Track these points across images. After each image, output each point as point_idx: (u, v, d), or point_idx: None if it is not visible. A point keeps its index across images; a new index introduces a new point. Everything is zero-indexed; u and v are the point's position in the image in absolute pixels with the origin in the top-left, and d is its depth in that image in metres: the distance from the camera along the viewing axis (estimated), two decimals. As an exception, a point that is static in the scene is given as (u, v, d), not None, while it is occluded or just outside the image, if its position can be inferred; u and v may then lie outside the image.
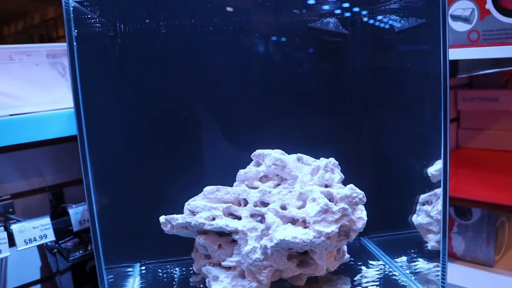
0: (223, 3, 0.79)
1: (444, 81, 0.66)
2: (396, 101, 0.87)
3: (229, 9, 0.79)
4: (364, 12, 0.84)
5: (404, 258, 0.82)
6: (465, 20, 0.98)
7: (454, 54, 0.97)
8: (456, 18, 0.99)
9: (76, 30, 0.57)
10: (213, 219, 0.70)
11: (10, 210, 1.08)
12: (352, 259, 0.83)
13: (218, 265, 0.71)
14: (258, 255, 0.67)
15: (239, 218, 0.70)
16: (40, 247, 1.11)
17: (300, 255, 0.70)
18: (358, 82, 0.87)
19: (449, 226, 1.22)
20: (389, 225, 0.90)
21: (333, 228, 0.66)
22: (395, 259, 0.82)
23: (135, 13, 0.76)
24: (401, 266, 0.80)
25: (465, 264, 1.17)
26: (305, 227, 0.67)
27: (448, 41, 0.66)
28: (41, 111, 0.95)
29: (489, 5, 0.94)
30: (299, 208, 0.68)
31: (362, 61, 0.86)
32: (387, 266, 0.81)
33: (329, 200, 0.69)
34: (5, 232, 0.92)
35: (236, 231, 0.68)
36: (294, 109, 0.88)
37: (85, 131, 0.62)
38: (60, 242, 1.04)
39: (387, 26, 0.84)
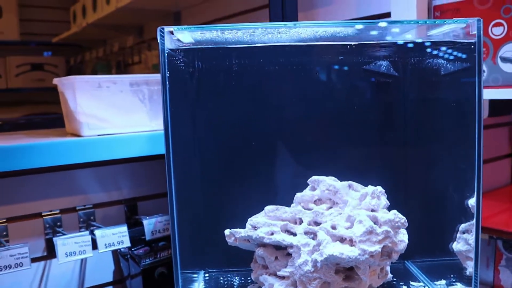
0: (288, 47, 0.90)
1: (478, 119, 0.74)
2: (440, 136, 0.95)
3: (292, 51, 0.91)
4: (413, 57, 0.93)
5: (443, 282, 0.89)
6: None
7: (504, 94, 1.04)
8: (505, 60, 1.06)
9: (168, 72, 0.70)
10: (272, 234, 0.80)
11: (92, 218, 1.23)
12: (395, 279, 0.91)
13: (274, 274, 0.82)
14: (309, 267, 0.77)
15: (294, 234, 0.80)
16: (115, 253, 1.26)
17: (346, 270, 0.80)
18: (406, 118, 0.96)
19: (497, 259, 1.26)
20: (432, 251, 0.97)
21: (377, 247, 0.75)
22: (435, 282, 0.89)
23: (212, 55, 0.89)
24: (439, 288, 0.87)
25: (511, 296, 1.21)
26: (352, 246, 0.76)
27: (482, 83, 0.74)
28: (124, 132, 1.09)
29: (536, 49, 1.01)
30: (347, 228, 0.78)
31: (410, 99, 0.96)
32: (426, 287, 0.88)
33: (374, 223, 0.78)
34: (90, 236, 1.06)
35: (291, 246, 0.79)
36: (348, 140, 0.98)
37: (171, 152, 0.75)
38: (133, 249, 1.17)
39: (433, 69, 0.93)
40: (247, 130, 0.95)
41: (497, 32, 1.06)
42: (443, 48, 0.91)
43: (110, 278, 1.26)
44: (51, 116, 1.78)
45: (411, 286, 0.89)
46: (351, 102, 0.96)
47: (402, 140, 0.97)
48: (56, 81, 1.17)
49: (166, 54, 0.70)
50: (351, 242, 0.76)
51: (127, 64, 2.51)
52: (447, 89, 0.94)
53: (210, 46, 0.86)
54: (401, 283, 0.90)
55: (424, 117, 0.96)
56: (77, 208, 1.21)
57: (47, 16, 3.08)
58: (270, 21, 1.18)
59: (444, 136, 0.94)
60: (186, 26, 0.72)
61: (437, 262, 0.96)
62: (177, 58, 0.82)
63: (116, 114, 1.11)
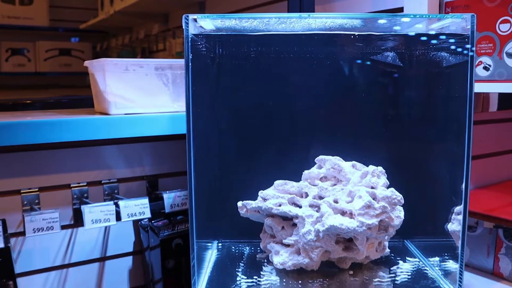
0: (300, 36, 0.98)
1: (469, 107, 0.81)
2: (438, 123, 1.02)
3: (303, 40, 0.99)
4: (415, 49, 1.00)
5: (437, 259, 0.96)
6: None
7: (508, 88, 1.09)
8: (510, 55, 1.11)
9: (191, 54, 0.78)
10: (280, 205, 0.89)
11: (116, 191, 1.33)
12: (393, 254, 0.98)
13: (280, 243, 0.90)
14: (312, 236, 0.85)
15: (300, 206, 0.88)
16: (136, 225, 1.35)
17: (346, 241, 0.88)
18: (409, 106, 1.04)
19: (497, 247, 1.32)
20: (430, 231, 1.04)
21: (374, 221, 0.83)
22: (429, 259, 0.97)
23: (231, 41, 0.97)
24: (433, 264, 0.94)
25: (510, 284, 1.26)
26: (351, 218, 0.84)
27: (474, 77, 0.81)
28: (148, 113, 1.18)
29: (541, 44, 1.06)
30: (348, 202, 0.86)
31: (412, 88, 1.03)
32: (421, 262, 0.96)
33: (373, 198, 0.85)
34: (114, 206, 1.16)
35: (296, 216, 0.87)
36: (356, 125, 1.06)
37: (192, 129, 0.83)
38: (153, 221, 1.26)
39: (433, 61, 0.99)
40: (262, 112, 1.03)
41: (504, 28, 1.12)
42: (443, 41, 0.97)
43: (130, 249, 1.36)
44: (77, 97, 1.88)
45: (407, 261, 0.96)
46: (358, 89, 1.03)
47: (407, 127, 1.04)
48: (87, 63, 1.27)
49: (190, 40, 0.78)
50: (351, 215, 0.84)
51: (152, 51, 2.61)
52: (446, 80, 1.00)
53: (229, 33, 0.94)
54: (398, 258, 0.98)
55: (424, 105, 1.03)
56: (103, 182, 1.31)
57: (76, 3, 3.20)
58: (288, 11, 1.25)
59: (442, 123, 1.01)
60: (208, 14, 0.81)
61: (434, 242, 1.04)
62: (199, 43, 0.90)
63: (141, 95, 1.20)
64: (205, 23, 0.84)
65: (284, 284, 0.86)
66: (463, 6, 1.20)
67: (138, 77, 1.20)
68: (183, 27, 0.78)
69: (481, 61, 1.16)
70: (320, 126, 1.04)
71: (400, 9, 1.29)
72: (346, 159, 0.96)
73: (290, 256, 0.87)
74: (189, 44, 0.77)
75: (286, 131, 1.04)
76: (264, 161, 1.05)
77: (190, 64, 0.77)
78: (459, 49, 0.88)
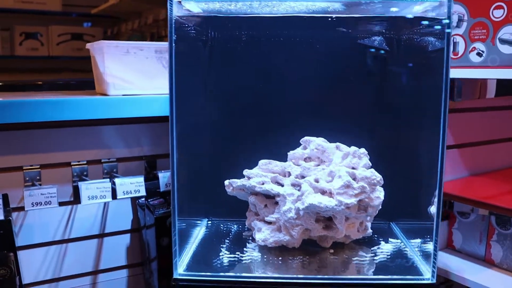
0: (290, 20, 1.00)
1: (445, 93, 0.82)
2: (425, 108, 1.03)
3: (294, 25, 1.01)
4: (403, 35, 1.01)
5: (418, 240, 0.98)
6: (511, 43, 1.10)
7: (500, 74, 1.10)
8: (503, 41, 1.11)
9: (175, 35, 0.81)
10: (263, 183, 0.91)
11: (114, 170, 1.36)
12: (376, 235, 1.01)
13: (263, 220, 0.93)
14: (292, 214, 0.87)
15: (283, 185, 0.91)
16: (133, 204, 1.39)
17: (326, 220, 0.90)
18: (396, 91, 1.05)
19: (489, 234, 1.33)
20: (415, 214, 1.06)
21: (353, 200, 0.85)
22: (411, 240, 0.99)
23: (216, 23, 1.00)
24: (413, 246, 0.97)
25: (501, 271, 1.26)
26: (331, 197, 0.86)
27: (449, 62, 0.82)
28: (146, 94, 1.21)
29: (532, 31, 1.06)
30: (328, 182, 0.88)
31: (399, 74, 1.04)
32: (402, 244, 0.98)
33: (353, 179, 0.88)
34: (110, 183, 1.20)
35: (278, 195, 0.90)
36: (344, 108, 1.08)
37: (175, 110, 0.86)
38: (149, 200, 1.30)
39: (417, 45, 1.01)
40: (248, 94, 1.06)
41: (498, 14, 1.12)
42: (426, 26, 0.98)
43: (128, 226, 1.40)
44: (85, 79, 1.92)
45: (389, 242, 0.99)
46: (344, 73, 1.05)
47: (391, 113, 1.06)
48: (88, 45, 1.30)
49: (173, 22, 0.81)
50: (331, 194, 0.87)
51: (161, 36, 2.64)
52: (428, 65, 1.01)
53: (216, 15, 0.96)
54: (380, 239, 1.00)
55: (409, 90, 1.04)
56: (102, 161, 1.35)
57: (88, -12, 3.23)
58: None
59: (426, 108, 1.02)
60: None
61: (418, 225, 1.05)
62: (186, 25, 0.93)
63: (140, 78, 1.23)
64: (190, 5, 0.87)
65: (264, 260, 0.89)
66: (457, -8, 1.21)
67: (138, 59, 1.23)
68: (168, 9, 0.80)
69: (474, 47, 1.17)
70: (307, 110, 1.06)
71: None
72: (333, 140, 0.98)
73: (272, 233, 0.90)
74: (173, 26, 0.80)
75: (274, 114, 1.06)
76: (254, 142, 1.08)
77: (174, 45, 0.80)
78: (439, 33, 0.89)
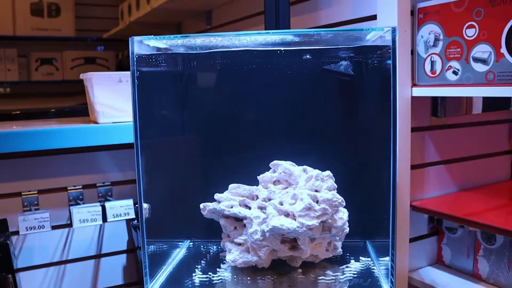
0: (256, 52, 1.05)
1: (393, 116, 0.86)
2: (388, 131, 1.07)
3: (261, 55, 1.06)
4: (366, 59, 1.05)
5: (387, 258, 1.01)
6: (484, 61, 1.11)
7: (474, 92, 1.12)
8: (476, 60, 1.14)
9: (138, 72, 0.87)
10: (231, 207, 0.96)
11: (109, 193, 1.43)
12: (348, 254, 1.04)
13: (233, 242, 0.97)
14: (258, 236, 0.92)
15: (250, 208, 0.95)
16: (128, 225, 1.45)
17: (292, 241, 0.94)
18: (365, 116, 1.09)
19: (476, 249, 1.35)
20: (387, 232, 1.09)
21: (314, 222, 0.89)
22: (379, 258, 1.02)
23: (177, 59, 1.06)
24: (380, 263, 0.99)
25: (488, 286, 1.28)
26: (293, 219, 0.90)
27: (397, 81, 0.85)
28: (135, 120, 1.27)
29: (503, 49, 1.07)
30: (291, 204, 0.92)
31: (366, 96, 1.08)
32: (371, 262, 1.01)
33: (316, 202, 0.91)
34: (100, 207, 1.26)
35: (245, 217, 0.94)
36: (314, 131, 1.11)
37: (139, 137, 0.92)
38: (141, 221, 1.36)
39: (379, 68, 1.04)
40: (217, 120, 1.11)
41: (470, 33, 1.15)
42: (377, 54, 1.02)
43: (124, 247, 1.46)
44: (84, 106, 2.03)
45: (359, 261, 1.02)
46: (314, 99, 1.09)
47: (357, 135, 1.09)
48: (82, 76, 1.38)
49: (135, 60, 0.87)
50: (294, 217, 0.91)
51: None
52: (384, 89, 1.05)
53: (173, 52, 1.03)
54: (351, 258, 1.03)
55: (373, 113, 1.07)
56: (97, 185, 1.41)
57: (99, 14, 3.36)
58: (265, 25, 1.32)
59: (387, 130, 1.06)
60: (153, 36, 0.90)
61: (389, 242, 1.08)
62: (149, 60, 0.99)
63: (130, 105, 1.29)
64: (151, 42, 0.93)
65: (234, 280, 0.93)
66: (434, 12, 1.24)
67: (129, 88, 1.30)
68: (129, 48, 0.87)
69: (450, 66, 1.20)
70: (277, 135, 1.11)
71: (374, 17, 1.34)
72: (306, 164, 1.02)
73: (241, 254, 0.94)
74: (135, 62, 0.86)
75: (243, 140, 1.11)
76: (223, 165, 1.13)
77: (136, 81, 0.86)
78: (388, 61, 0.92)
